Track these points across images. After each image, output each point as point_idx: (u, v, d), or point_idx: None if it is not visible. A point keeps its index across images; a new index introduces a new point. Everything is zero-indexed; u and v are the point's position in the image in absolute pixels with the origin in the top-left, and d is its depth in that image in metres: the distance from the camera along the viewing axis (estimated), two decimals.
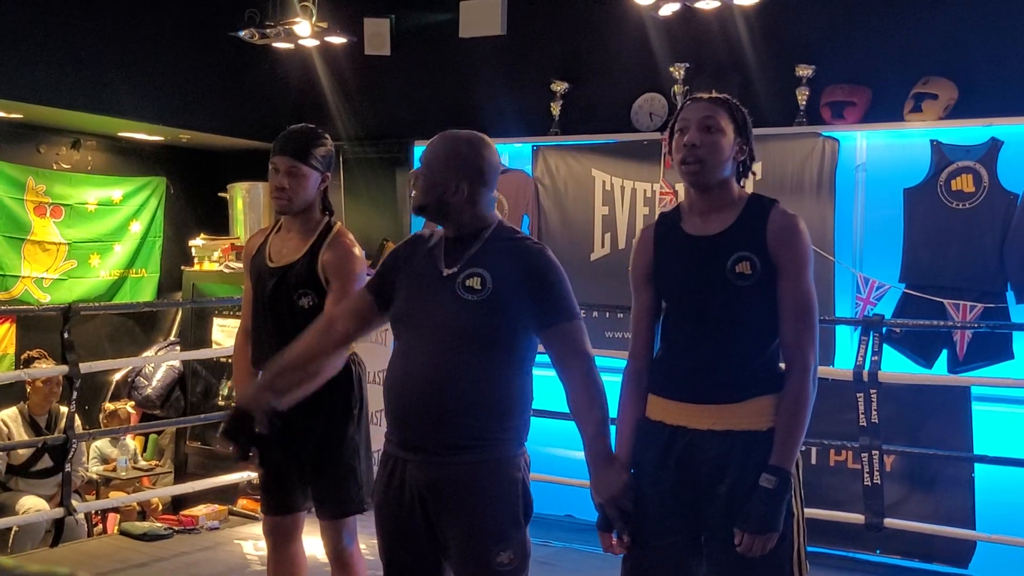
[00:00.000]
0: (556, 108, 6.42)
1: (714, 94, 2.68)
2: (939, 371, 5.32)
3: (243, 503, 6.14)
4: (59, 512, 5.48)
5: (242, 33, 6.65)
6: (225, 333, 7.47)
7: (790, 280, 2.52)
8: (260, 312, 3.36)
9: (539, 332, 2.65)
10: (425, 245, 2.73)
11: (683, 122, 2.63)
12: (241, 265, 7.23)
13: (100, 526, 6.77)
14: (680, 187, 6.01)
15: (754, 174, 5.81)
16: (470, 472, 2.58)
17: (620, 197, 6.20)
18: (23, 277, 7.18)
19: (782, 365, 2.60)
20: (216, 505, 5.98)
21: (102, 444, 7.03)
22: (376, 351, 6.33)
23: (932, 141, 5.38)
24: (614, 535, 2.63)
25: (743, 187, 2.69)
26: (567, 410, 2.68)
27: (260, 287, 3.35)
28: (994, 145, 5.23)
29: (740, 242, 2.55)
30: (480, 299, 2.57)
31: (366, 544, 3.46)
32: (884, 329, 5.17)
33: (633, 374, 2.73)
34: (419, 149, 6.87)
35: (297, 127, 3.36)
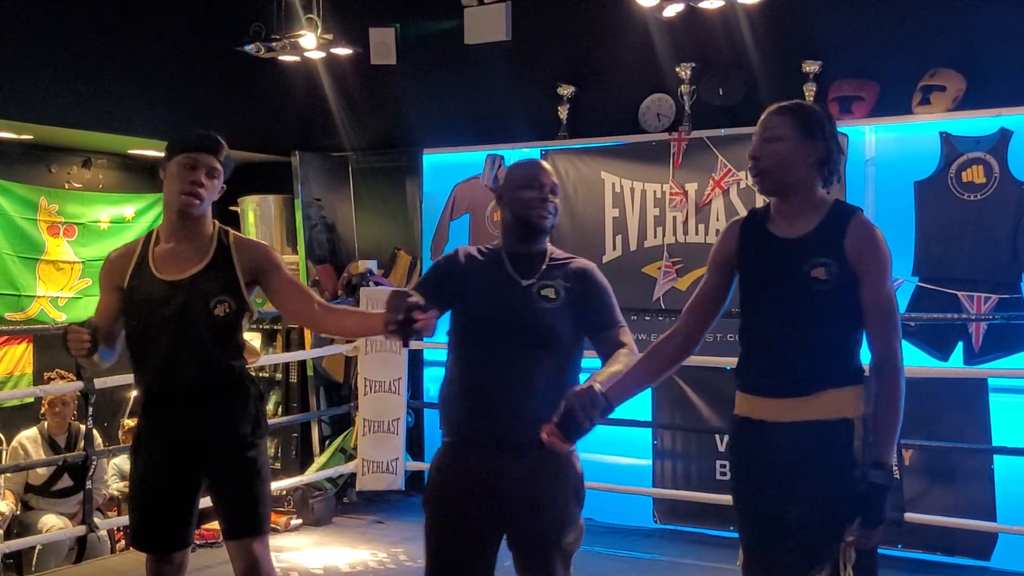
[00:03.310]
0: (563, 112, 6.43)
1: (785, 103, 2.74)
2: (955, 364, 5.30)
3: None
4: (82, 529, 5.52)
5: (248, 47, 6.67)
6: None
7: (871, 287, 2.63)
8: (157, 330, 3.08)
9: (596, 335, 2.95)
10: (481, 259, 3.02)
11: (754, 135, 2.73)
12: None
13: (123, 542, 6.79)
14: (689, 187, 6.03)
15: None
16: (543, 463, 2.83)
17: (630, 199, 6.20)
18: (39, 297, 7.22)
19: (865, 365, 2.70)
20: None
21: (120, 461, 7.05)
22: (389, 360, 6.35)
23: (941, 133, 5.37)
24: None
25: (828, 191, 2.74)
26: None
27: (155, 305, 3.08)
28: (1004, 135, 5.22)
29: (819, 248, 2.64)
30: (554, 307, 2.90)
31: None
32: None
33: (663, 341, 2.92)
34: (428, 157, 6.90)
35: (204, 131, 3.18)
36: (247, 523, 3.19)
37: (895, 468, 2.62)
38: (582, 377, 2.88)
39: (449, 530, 2.91)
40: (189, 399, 3.12)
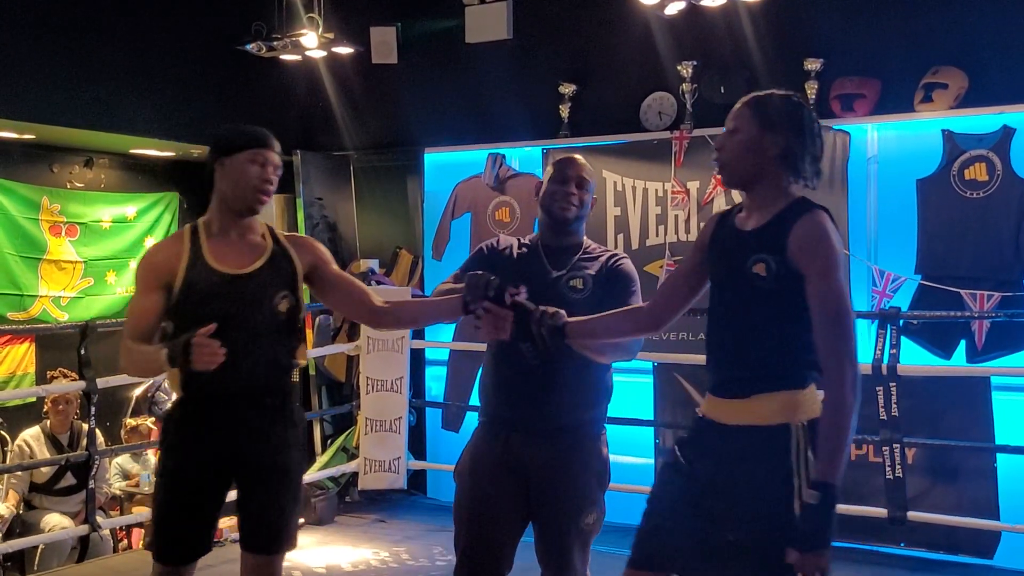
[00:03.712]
0: (565, 110, 6.42)
1: (755, 94, 2.67)
2: (958, 362, 5.30)
3: None
4: (84, 529, 5.52)
5: (249, 47, 6.67)
6: None
7: (813, 286, 2.47)
8: (221, 326, 2.85)
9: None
10: (520, 249, 3.18)
11: None
12: None
13: (125, 541, 6.80)
14: (691, 186, 6.02)
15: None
16: (567, 446, 3.04)
17: (632, 197, 6.20)
18: (41, 296, 7.22)
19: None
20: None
21: (123, 460, 7.06)
22: (391, 359, 6.35)
23: (944, 131, 5.36)
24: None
25: (808, 186, 2.62)
26: None
27: (216, 300, 2.94)
28: (1006, 133, 5.21)
29: (763, 244, 2.54)
30: (581, 297, 3.04)
31: None
32: (901, 322, 5.15)
33: (634, 309, 2.95)
34: (429, 156, 6.90)
35: (255, 127, 3.14)
36: (271, 536, 3.04)
37: (836, 487, 2.40)
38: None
39: (477, 506, 3.08)
40: (245, 398, 2.98)
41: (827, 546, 2.39)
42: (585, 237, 3.24)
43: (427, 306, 3.36)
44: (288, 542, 3.06)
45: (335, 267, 3.17)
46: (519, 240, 3.24)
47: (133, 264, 7.75)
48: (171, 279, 2.94)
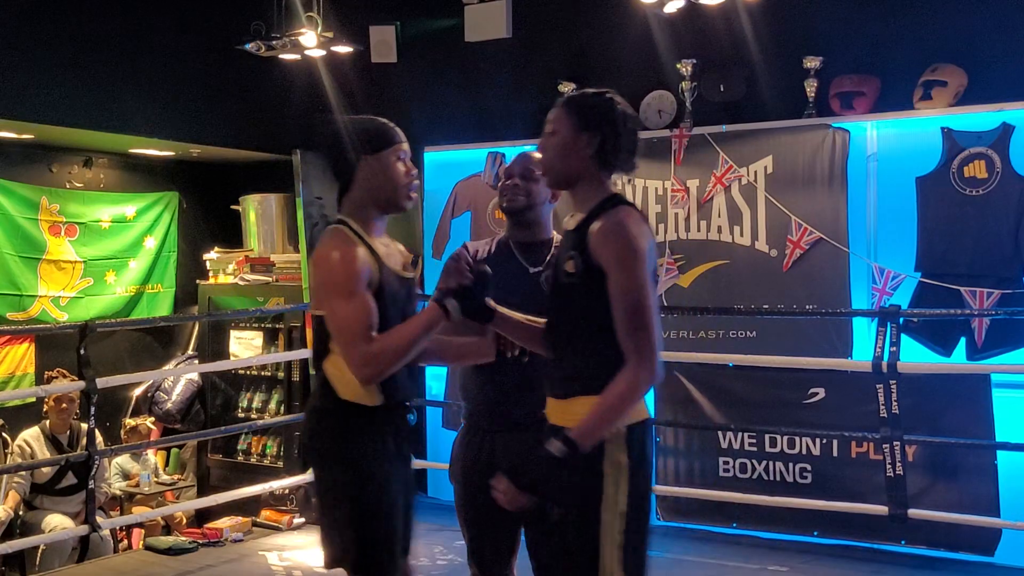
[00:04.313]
0: None
1: (569, 94, 2.75)
2: (958, 359, 5.30)
3: (266, 514, 6.15)
4: (84, 529, 5.52)
5: (249, 46, 6.66)
6: (242, 345, 7.50)
7: (612, 282, 2.50)
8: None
9: None
10: (493, 251, 3.20)
11: None
12: (257, 278, 7.28)
13: (125, 541, 6.80)
14: (691, 184, 6.02)
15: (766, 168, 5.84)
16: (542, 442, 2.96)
17: (631, 196, 6.18)
18: (40, 296, 7.22)
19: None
20: (240, 517, 6.00)
21: (123, 460, 7.06)
22: None
23: (943, 128, 5.36)
24: None
25: (625, 178, 2.71)
26: None
27: (401, 302, 2.90)
28: (1005, 130, 5.21)
29: (574, 241, 2.60)
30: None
31: None
32: (901, 319, 5.15)
33: None
34: (429, 155, 6.90)
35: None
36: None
37: (608, 462, 2.49)
38: None
39: (474, 512, 3.16)
40: (408, 407, 2.92)
41: (546, 497, 2.58)
42: (555, 232, 3.23)
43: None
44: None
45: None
46: (489, 242, 3.27)
47: (133, 264, 7.75)
48: (372, 280, 2.82)
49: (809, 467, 5.51)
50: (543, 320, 2.77)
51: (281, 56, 6.88)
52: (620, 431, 2.52)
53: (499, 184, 3.28)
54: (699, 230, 6.01)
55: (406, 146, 2.97)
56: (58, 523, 6.04)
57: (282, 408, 7.17)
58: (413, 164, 2.98)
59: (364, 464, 2.78)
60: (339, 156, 2.97)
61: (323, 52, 6.80)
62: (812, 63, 5.67)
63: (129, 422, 7.42)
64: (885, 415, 5.07)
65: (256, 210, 7.65)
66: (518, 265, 3.16)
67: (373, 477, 2.78)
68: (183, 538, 5.80)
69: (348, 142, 2.97)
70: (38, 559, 5.99)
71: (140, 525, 6.74)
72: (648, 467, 2.64)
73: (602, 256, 2.51)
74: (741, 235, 5.88)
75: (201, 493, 7.25)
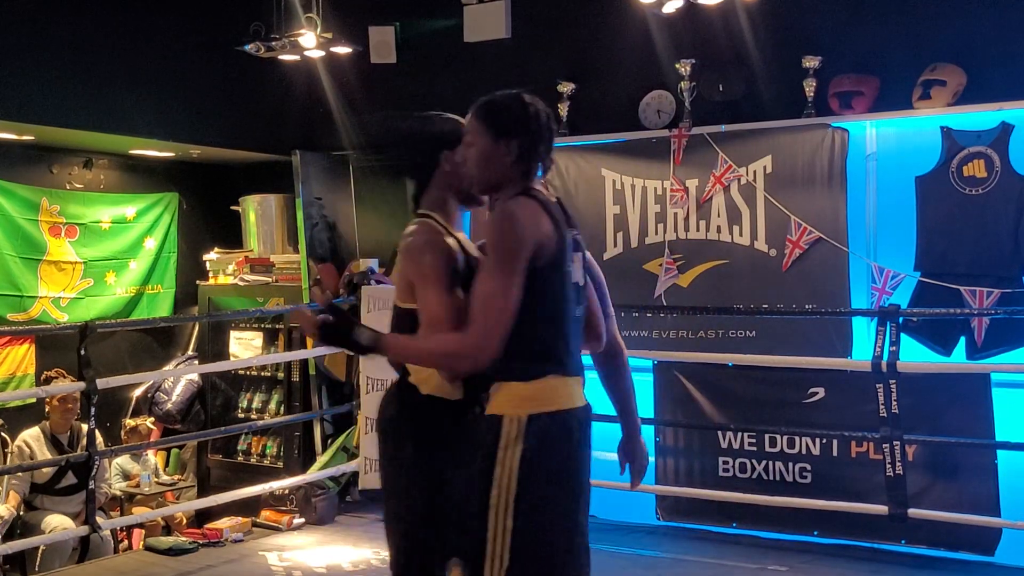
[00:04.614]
0: (563, 109, 6.42)
1: (480, 102, 2.73)
2: (958, 358, 5.30)
3: (266, 515, 6.15)
4: (84, 530, 5.52)
5: (248, 47, 6.67)
6: (242, 346, 7.50)
7: (481, 266, 2.67)
8: None
9: None
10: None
11: None
12: (257, 278, 7.28)
13: (125, 542, 6.80)
14: (690, 183, 6.02)
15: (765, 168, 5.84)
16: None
17: (631, 196, 6.20)
18: (40, 297, 7.22)
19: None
20: (240, 517, 6.00)
21: (123, 460, 7.06)
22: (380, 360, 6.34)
23: (942, 128, 5.36)
24: None
25: (541, 180, 2.73)
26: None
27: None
28: (1005, 129, 5.21)
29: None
30: None
31: None
32: (901, 319, 5.15)
33: None
34: None
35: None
36: None
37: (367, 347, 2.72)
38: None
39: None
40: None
41: (324, 340, 2.76)
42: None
43: None
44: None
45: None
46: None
47: (133, 264, 7.76)
48: (458, 267, 2.87)
49: (809, 467, 5.51)
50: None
51: (280, 57, 6.89)
52: (520, 418, 2.54)
53: None
54: (698, 230, 6.01)
55: None
56: (58, 523, 6.04)
57: (282, 408, 7.18)
58: None
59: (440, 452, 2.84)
60: (420, 154, 2.98)
61: (322, 53, 6.81)
62: (811, 63, 5.67)
63: (129, 422, 7.43)
64: (885, 415, 5.07)
65: (256, 211, 7.66)
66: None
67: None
68: (183, 538, 5.80)
69: (426, 140, 2.99)
70: (38, 559, 5.99)
71: (140, 525, 6.74)
72: (560, 460, 2.60)
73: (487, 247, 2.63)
74: (740, 235, 5.88)
75: (201, 493, 7.26)
